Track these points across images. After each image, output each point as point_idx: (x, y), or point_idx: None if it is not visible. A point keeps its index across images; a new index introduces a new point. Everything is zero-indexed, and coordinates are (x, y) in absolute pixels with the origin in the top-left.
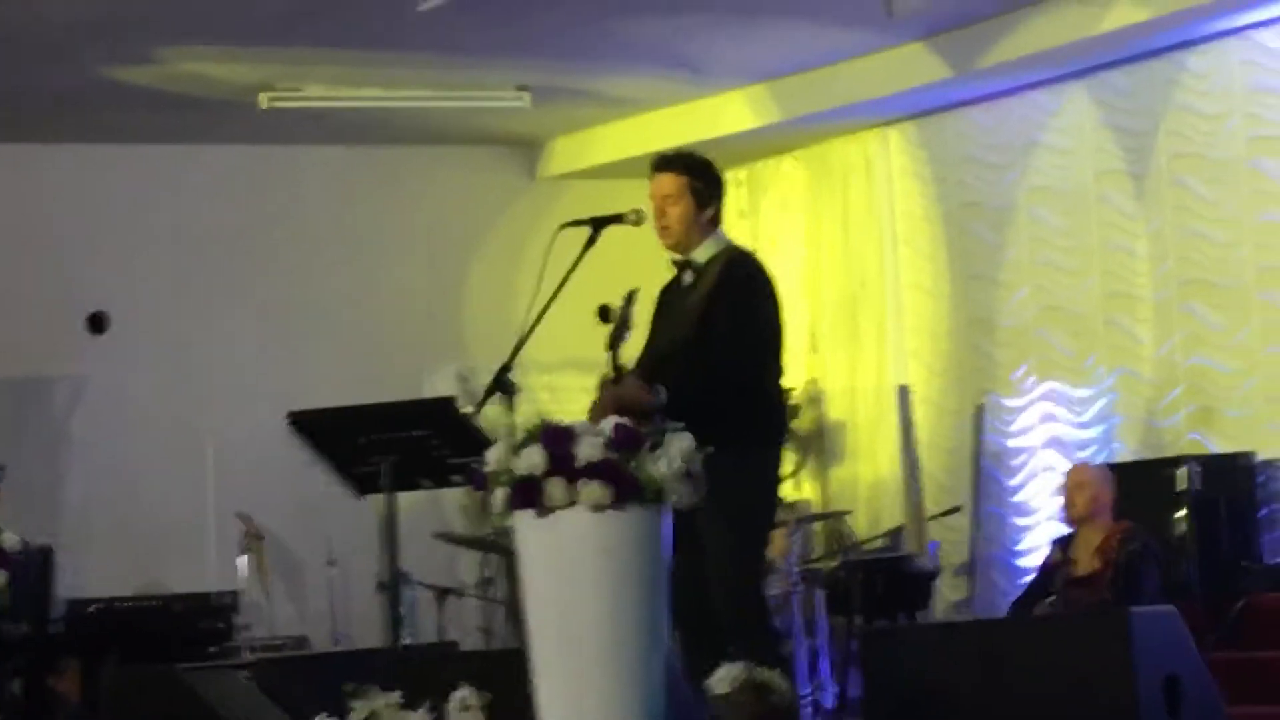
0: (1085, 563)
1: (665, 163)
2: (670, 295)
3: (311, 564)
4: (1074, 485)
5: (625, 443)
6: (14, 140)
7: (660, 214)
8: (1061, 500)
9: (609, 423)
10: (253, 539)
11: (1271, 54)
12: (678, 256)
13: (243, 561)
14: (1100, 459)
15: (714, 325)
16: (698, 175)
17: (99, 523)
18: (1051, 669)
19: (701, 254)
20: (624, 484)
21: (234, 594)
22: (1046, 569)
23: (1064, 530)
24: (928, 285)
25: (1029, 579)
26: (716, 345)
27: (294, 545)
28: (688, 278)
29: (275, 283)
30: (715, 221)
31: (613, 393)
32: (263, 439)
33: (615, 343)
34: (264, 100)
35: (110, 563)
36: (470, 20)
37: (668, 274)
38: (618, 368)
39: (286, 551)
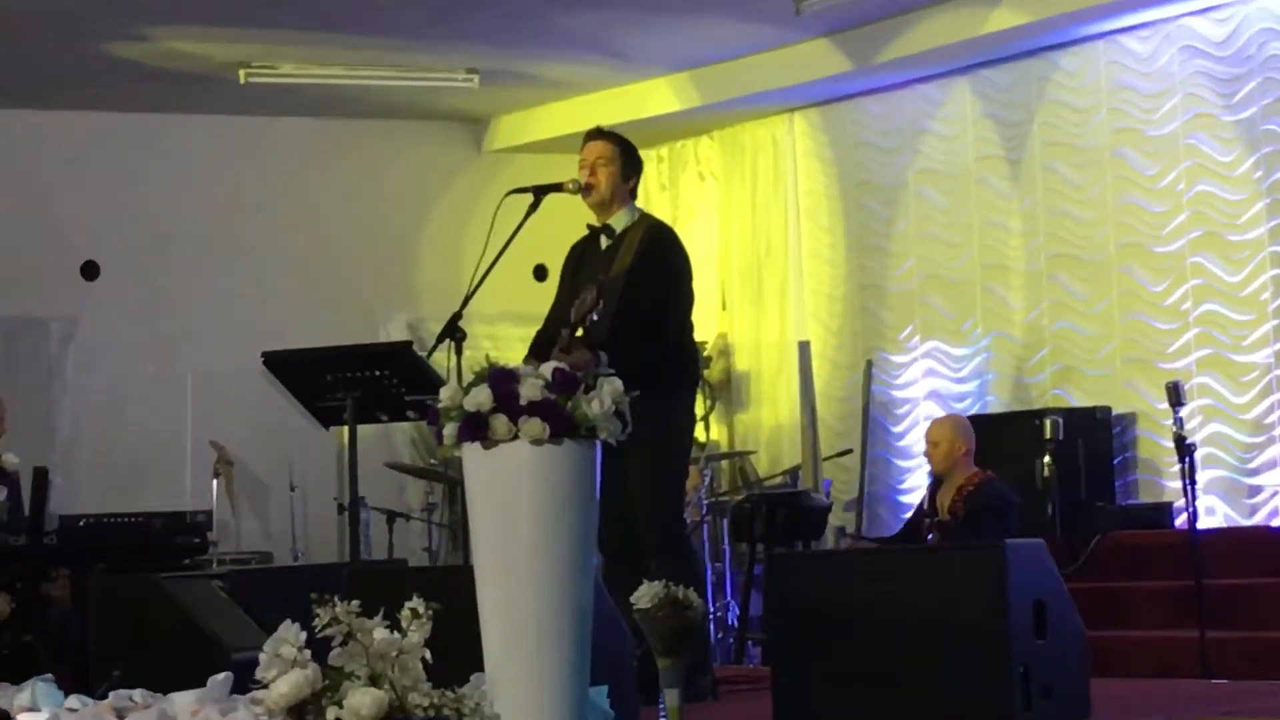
0: (944, 510)
1: (599, 133)
2: (585, 255)
3: (276, 488)
4: (931, 442)
5: (563, 385)
6: (17, 107)
7: (591, 173)
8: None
9: (548, 367)
10: (224, 464)
11: (1135, 56)
12: (595, 222)
13: (215, 484)
14: (974, 410)
15: (643, 285)
16: (626, 149)
17: (88, 448)
18: (933, 593)
19: (619, 221)
20: (561, 421)
21: (207, 513)
22: (918, 512)
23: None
24: (826, 254)
25: (907, 515)
26: (643, 304)
27: (261, 471)
28: (604, 241)
29: (249, 238)
30: (634, 194)
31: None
32: (236, 375)
33: (578, 324)
34: (243, 75)
35: (98, 484)
36: (425, 9)
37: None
38: (573, 339)
39: (254, 476)
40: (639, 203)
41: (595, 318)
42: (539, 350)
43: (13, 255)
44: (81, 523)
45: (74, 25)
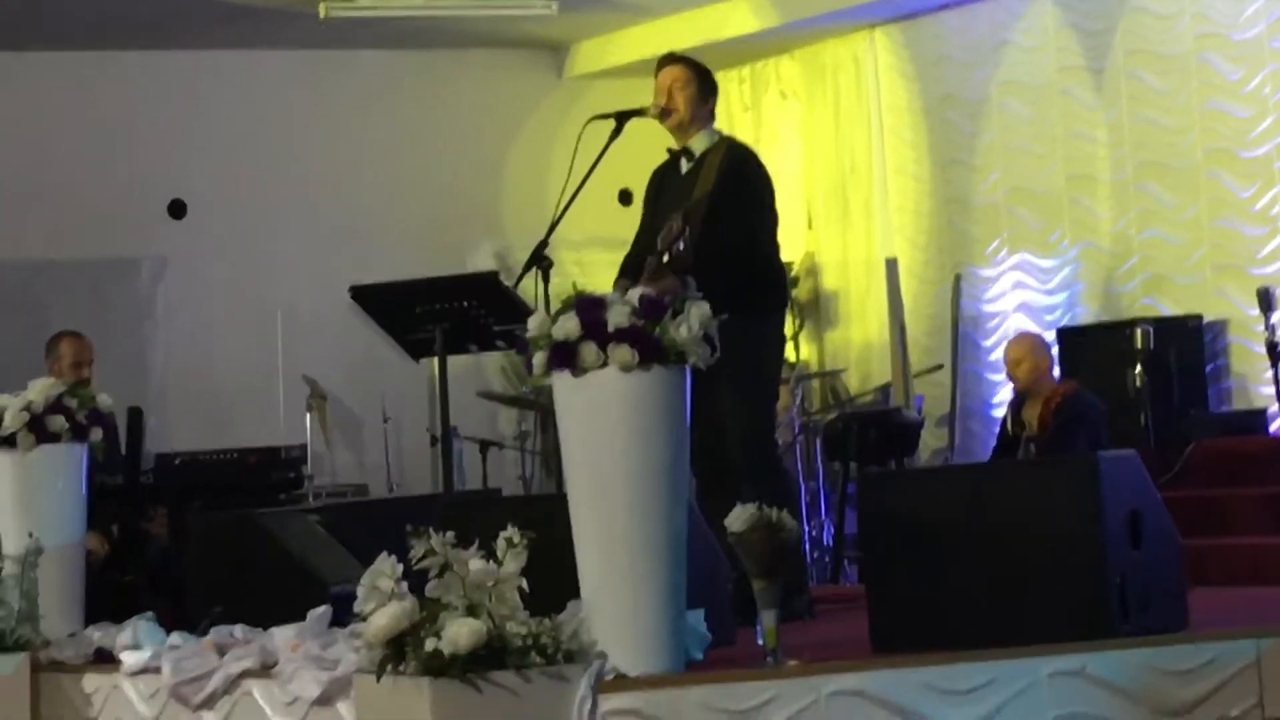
0: (1034, 425)
1: (673, 58)
2: (666, 180)
3: (369, 421)
4: (1012, 362)
5: (650, 311)
6: (97, 48)
7: (669, 97)
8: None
9: (635, 293)
10: (317, 398)
11: None
12: (675, 146)
13: (308, 418)
14: (1064, 322)
15: (724, 209)
16: (701, 72)
17: (181, 386)
18: (1028, 507)
19: (698, 144)
20: (649, 347)
21: (302, 447)
22: (1003, 433)
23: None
24: (910, 169)
25: (997, 430)
26: (729, 226)
27: (353, 404)
28: (684, 165)
29: (333, 172)
30: (712, 117)
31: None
32: (325, 310)
33: (665, 252)
34: (322, 9)
35: (192, 422)
36: None
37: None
38: (658, 267)
39: (346, 410)
40: (722, 124)
41: (682, 246)
42: (628, 272)
43: (100, 196)
44: (178, 460)
45: None
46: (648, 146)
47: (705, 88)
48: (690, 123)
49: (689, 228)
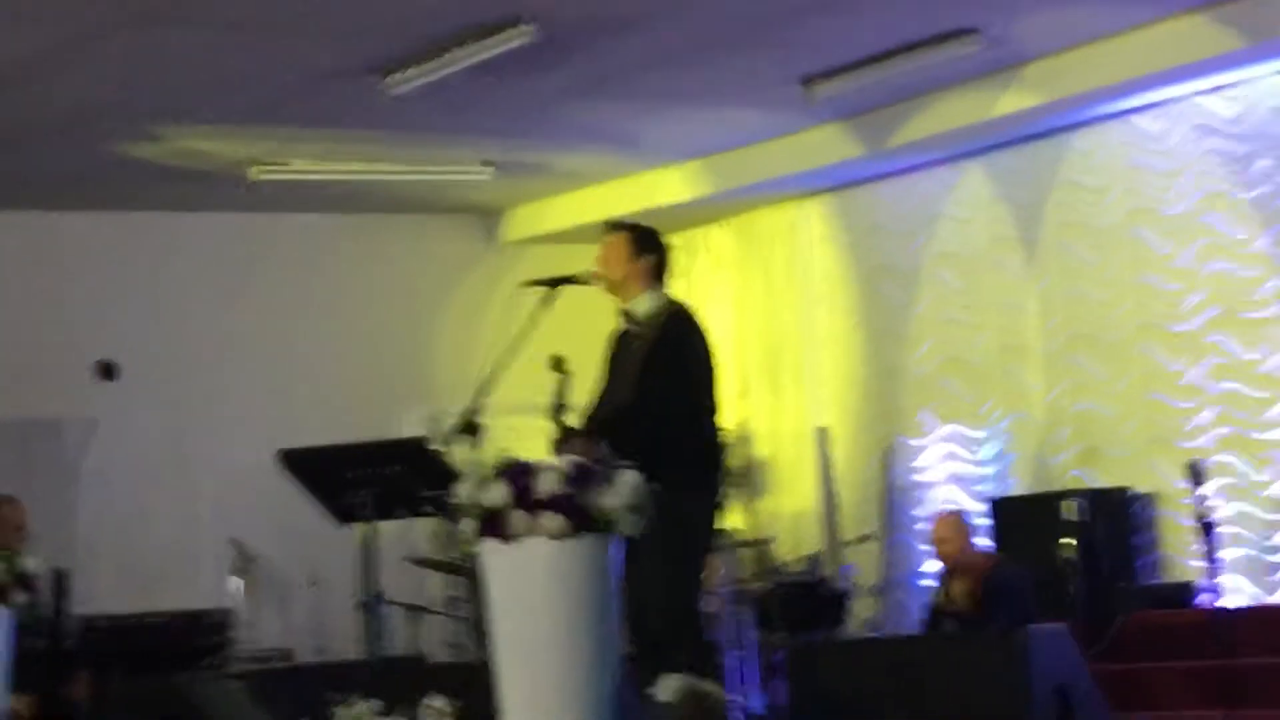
0: (960, 599)
1: (612, 225)
2: (619, 343)
3: (295, 584)
4: (938, 541)
5: (580, 479)
6: (30, 208)
7: (601, 261)
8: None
9: (566, 460)
10: (244, 561)
11: (1148, 136)
12: (623, 305)
13: (234, 582)
14: (995, 493)
15: (650, 379)
16: (637, 232)
17: (107, 548)
18: (955, 679)
19: (639, 306)
20: (579, 515)
21: (226, 611)
22: (933, 606)
23: (944, 566)
24: (843, 338)
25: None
26: (651, 396)
27: (280, 567)
28: (633, 328)
29: (264, 334)
30: (654, 276)
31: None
32: (253, 473)
33: (556, 415)
34: (254, 173)
35: (119, 582)
36: (437, 104)
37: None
38: (565, 430)
39: (274, 573)
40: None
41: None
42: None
43: (28, 356)
44: (102, 624)
45: (84, 126)
46: (583, 312)
47: (637, 247)
48: (622, 283)
49: (564, 380)
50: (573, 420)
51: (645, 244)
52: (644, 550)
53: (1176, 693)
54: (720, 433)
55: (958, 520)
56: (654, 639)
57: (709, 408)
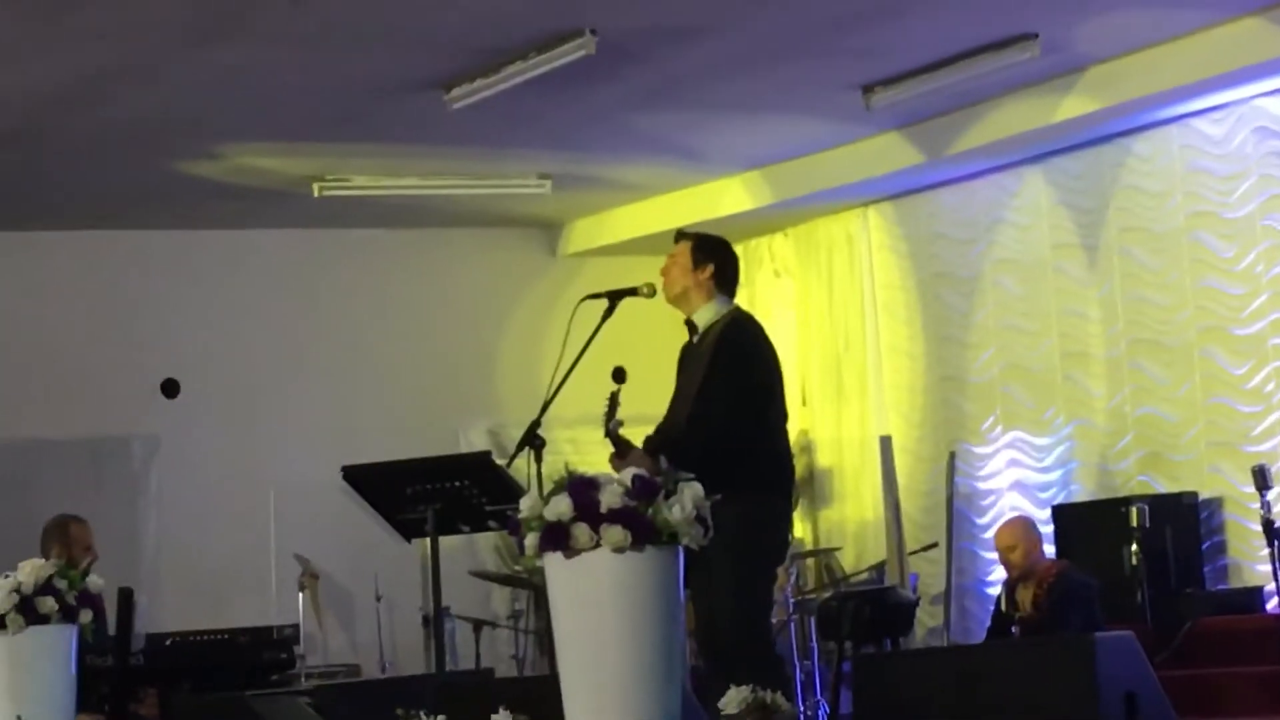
0: (1026, 607)
1: (680, 234)
2: (686, 352)
3: (361, 599)
4: (1005, 548)
5: (643, 491)
6: (96, 227)
7: (664, 272)
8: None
9: (628, 473)
10: (309, 578)
11: (1208, 139)
12: (687, 316)
13: (301, 598)
14: (1059, 499)
15: (710, 390)
16: (700, 241)
17: (173, 565)
18: (1022, 689)
19: (701, 316)
20: (642, 528)
21: (294, 627)
22: (998, 614)
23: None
24: (905, 346)
25: (992, 610)
26: (713, 408)
27: (346, 583)
28: (695, 338)
29: (327, 350)
30: (718, 286)
31: (621, 466)
32: (318, 489)
33: (611, 431)
34: (316, 189)
35: (183, 600)
36: (496, 117)
37: (676, 339)
38: (618, 444)
39: (339, 589)
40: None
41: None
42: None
43: (94, 374)
44: (168, 641)
45: (146, 145)
46: (643, 324)
47: (700, 256)
48: (684, 295)
49: (614, 395)
50: (625, 433)
51: (707, 253)
52: (711, 562)
53: (1244, 698)
54: (787, 442)
55: (1025, 527)
56: (721, 651)
57: (775, 416)
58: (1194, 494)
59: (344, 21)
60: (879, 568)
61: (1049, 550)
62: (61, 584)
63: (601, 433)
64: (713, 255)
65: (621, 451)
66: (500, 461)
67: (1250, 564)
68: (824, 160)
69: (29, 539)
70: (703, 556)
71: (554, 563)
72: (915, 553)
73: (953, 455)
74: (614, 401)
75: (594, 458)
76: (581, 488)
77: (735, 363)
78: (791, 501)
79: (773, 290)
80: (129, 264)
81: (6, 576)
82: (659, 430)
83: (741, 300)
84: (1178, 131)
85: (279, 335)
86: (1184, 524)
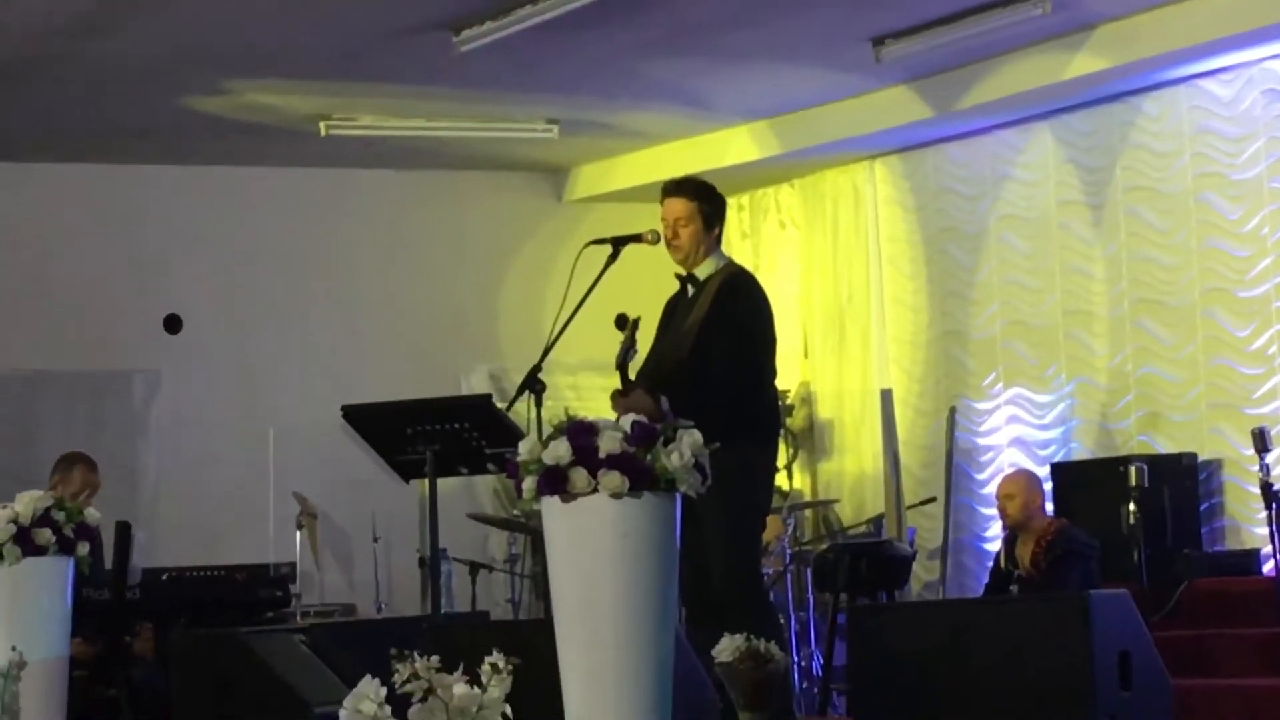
0: (1026, 562)
1: (676, 187)
2: (674, 306)
3: (359, 540)
4: (1004, 496)
5: (641, 437)
6: (99, 160)
7: (673, 235)
8: (998, 509)
9: (628, 419)
10: (308, 516)
11: (1217, 100)
12: (683, 271)
13: (298, 536)
14: (1058, 457)
15: (711, 337)
16: (705, 199)
17: (172, 501)
18: (1018, 645)
19: (703, 270)
20: (640, 474)
21: (290, 565)
22: (997, 569)
23: (1008, 528)
24: (908, 300)
25: (990, 564)
26: (714, 356)
27: (343, 522)
28: (690, 291)
29: (330, 289)
30: (718, 242)
31: (623, 403)
32: (318, 428)
33: (623, 361)
34: (323, 128)
35: (182, 536)
36: (505, 61)
37: (675, 286)
38: (626, 380)
39: (337, 528)
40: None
41: (635, 352)
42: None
43: (96, 309)
44: (165, 577)
45: (154, 80)
46: (645, 271)
47: (712, 216)
48: (695, 254)
49: (634, 322)
50: (632, 373)
51: (716, 214)
52: (704, 512)
53: (1239, 660)
54: (777, 396)
55: (1027, 480)
56: (714, 599)
57: (768, 371)
58: (1193, 455)
59: None
60: (877, 521)
61: (1048, 508)
62: (59, 516)
63: (609, 372)
64: (719, 213)
65: (625, 389)
66: (501, 405)
67: (1248, 526)
68: (832, 112)
69: (28, 471)
70: (696, 505)
71: (551, 507)
72: (913, 507)
73: (953, 410)
74: (633, 329)
75: (595, 403)
76: (580, 432)
77: (742, 317)
78: (776, 453)
79: (778, 241)
80: (134, 198)
81: (4, 507)
82: (644, 374)
83: (747, 251)
84: (1187, 92)
85: (282, 273)
86: (1182, 485)
